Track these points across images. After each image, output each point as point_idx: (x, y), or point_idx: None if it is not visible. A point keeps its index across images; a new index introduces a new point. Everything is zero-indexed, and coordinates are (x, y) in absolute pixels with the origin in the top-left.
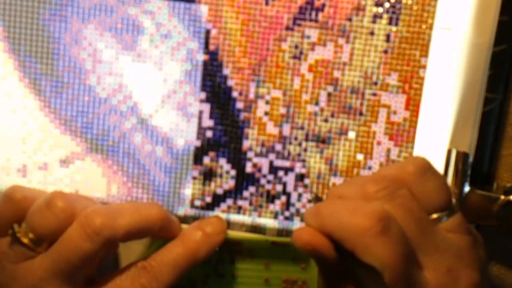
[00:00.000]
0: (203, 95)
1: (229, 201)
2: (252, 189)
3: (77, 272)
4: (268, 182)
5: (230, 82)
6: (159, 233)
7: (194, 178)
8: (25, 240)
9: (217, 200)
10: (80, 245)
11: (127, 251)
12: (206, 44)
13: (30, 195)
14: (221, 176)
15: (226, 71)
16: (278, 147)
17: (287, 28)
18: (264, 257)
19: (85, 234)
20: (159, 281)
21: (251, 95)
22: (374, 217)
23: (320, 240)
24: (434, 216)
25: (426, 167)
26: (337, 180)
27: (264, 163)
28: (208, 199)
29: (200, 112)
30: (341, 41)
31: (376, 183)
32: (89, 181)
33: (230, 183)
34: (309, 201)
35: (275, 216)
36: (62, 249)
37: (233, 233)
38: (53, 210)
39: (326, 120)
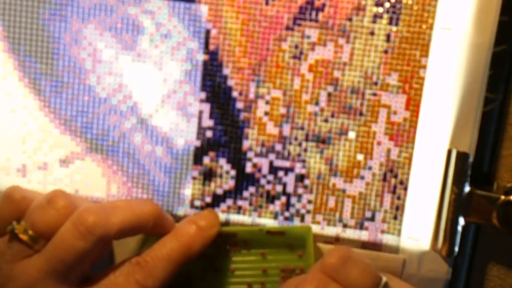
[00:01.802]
0: (203, 95)
1: (229, 201)
2: (252, 189)
3: (71, 271)
4: (268, 182)
5: (230, 82)
6: (152, 230)
7: (194, 178)
8: (24, 237)
9: (217, 200)
10: (74, 244)
11: (122, 247)
12: (206, 44)
13: (30, 196)
14: (221, 176)
15: (226, 71)
16: (278, 147)
17: (287, 28)
18: (260, 247)
19: (78, 233)
20: (154, 277)
21: (251, 95)
22: None
23: None
24: None
25: (346, 256)
26: (337, 180)
27: (264, 163)
28: (208, 199)
29: (200, 112)
30: (341, 41)
31: (308, 283)
32: (89, 181)
33: (230, 183)
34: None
35: (275, 216)
36: (56, 248)
37: (227, 226)
38: (55, 207)
39: (326, 120)
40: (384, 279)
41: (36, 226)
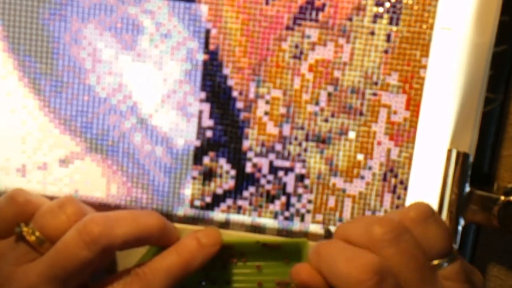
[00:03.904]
0: (203, 95)
1: (229, 201)
2: (252, 189)
3: (71, 279)
4: (268, 182)
5: (230, 82)
6: (157, 242)
7: (194, 178)
8: (31, 238)
9: (217, 200)
10: (77, 253)
11: (125, 257)
12: (206, 43)
13: (33, 199)
14: (221, 176)
15: (226, 71)
16: (278, 147)
17: (287, 28)
18: (256, 260)
19: (83, 242)
20: None
21: (251, 95)
22: (369, 270)
23: (317, 282)
24: (435, 262)
25: (428, 214)
26: (337, 180)
27: (264, 163)
28: (208, 199)
29: (200, 112)
30: (341, 41)
31: (382, 225)
32: (89, 181)
33: (230, 183)
34: (323, 236)
35: (275, 216)
36: (59, 255)
37: (223, 237)
38: (66, 212)
39: (326, 120)
40: (456, 249)
41: (44, 229)
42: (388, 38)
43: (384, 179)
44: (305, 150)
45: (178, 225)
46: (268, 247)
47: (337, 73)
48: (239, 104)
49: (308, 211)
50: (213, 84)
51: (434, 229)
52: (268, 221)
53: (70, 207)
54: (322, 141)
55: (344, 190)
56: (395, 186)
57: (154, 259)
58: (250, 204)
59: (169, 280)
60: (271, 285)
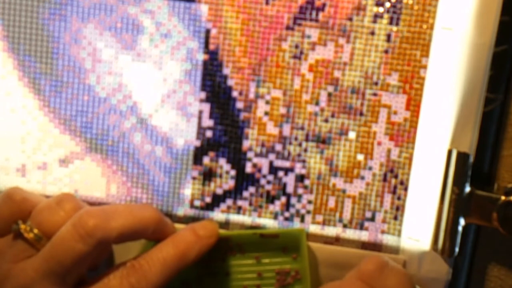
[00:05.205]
0: (203, 95)
1: (229, 201)
2: (252, 189)
3: (68, 273)
4: (268, 182)
5: (230, 82)
6: (153, 235)
7: (194, 178)
8: (29, 235)
9: (217, 200)
10: (73, 247)
11: (122, 252)
12: (206, 43)
13: (30, 197)
14: (221, 176)
15: (226, 70)
16: (278, 147)
17: (288, 28)
18: (254, 251)
19: (78, 236)
20: (148, 280)
21: (251, 95)
22: None
23: None
24: None
25: (383, 264)
26: (337, 181)
27: (264, 163)
28: (208, 199)
29: (200, 112)
30: (341, 40)
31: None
32: (89, 181)
33: (230, 183)
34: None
35: (275, 216)
36: (55, 250)
37: (221, 230)
38: (64, 208)
39: (326, 120)
40: None
41: (42, 226)
42: (388, 38)
43: (384, 179)
44: (305, 150)
45: (178, 225)
46: (266, 238)
47: (337, 73)
48: (239, 104)
49: (308, 212)
50: (213, 84)
51: (394, 277)
52: (268, 222)
53: (68, 203)
54: (322, 141)
55: (344, 191)
56: (395, 187)
57: (151, 250)
58: (250, 204)
59: (165, 271)
60: (271, 274)
